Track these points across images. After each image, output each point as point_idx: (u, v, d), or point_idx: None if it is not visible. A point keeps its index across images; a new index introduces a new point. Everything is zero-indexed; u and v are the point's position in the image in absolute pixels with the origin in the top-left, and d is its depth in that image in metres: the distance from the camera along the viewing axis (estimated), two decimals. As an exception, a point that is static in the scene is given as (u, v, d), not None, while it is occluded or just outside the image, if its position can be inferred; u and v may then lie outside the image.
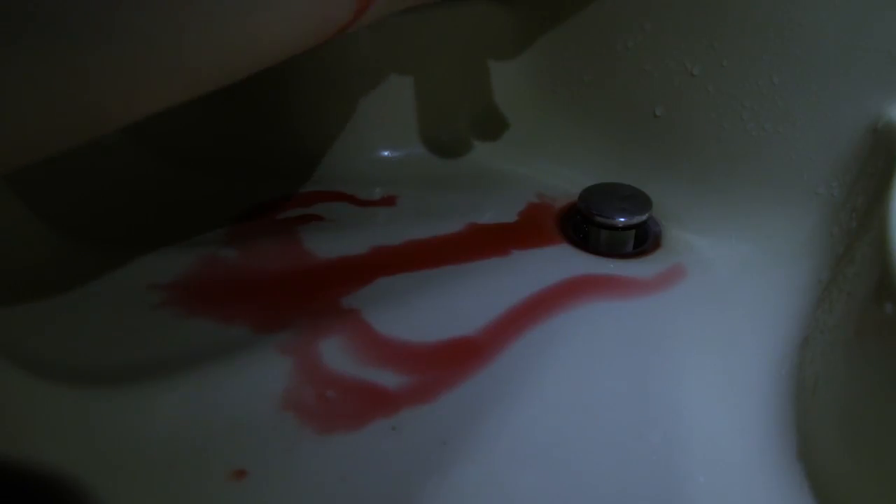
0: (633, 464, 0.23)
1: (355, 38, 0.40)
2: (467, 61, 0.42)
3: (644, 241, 0.34)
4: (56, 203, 0.31)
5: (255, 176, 0.40)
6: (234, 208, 0.36)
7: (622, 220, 0.32)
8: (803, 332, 0.28)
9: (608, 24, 0.37)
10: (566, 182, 0.38)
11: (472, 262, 0.32)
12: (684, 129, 0.36)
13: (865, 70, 0.29)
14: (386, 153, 0.42)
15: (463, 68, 0.42)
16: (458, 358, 0.27)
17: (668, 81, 0.35)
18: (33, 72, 0.16)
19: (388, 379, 0.26)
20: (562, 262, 0.32)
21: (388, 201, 0.38)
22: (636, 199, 0.34)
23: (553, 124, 0.41)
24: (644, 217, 0.33)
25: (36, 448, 0.21)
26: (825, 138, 0.31)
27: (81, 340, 0.26)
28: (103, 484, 0.20)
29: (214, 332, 0.27)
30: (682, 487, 0.23)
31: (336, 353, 0.26)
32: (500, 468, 0.23)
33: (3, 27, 0.15)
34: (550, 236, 0.34)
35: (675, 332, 0.29)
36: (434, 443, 0.23)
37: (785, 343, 0.28)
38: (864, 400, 0.22)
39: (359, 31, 0.40)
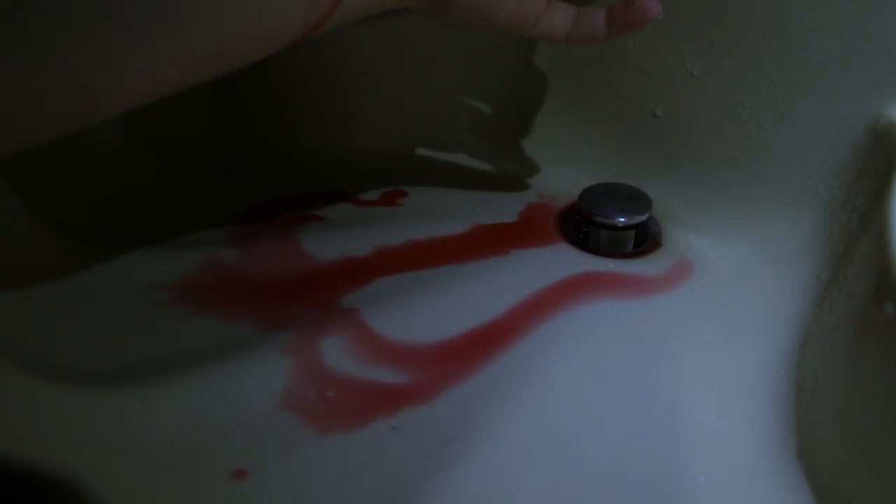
0: (633, 464, 0.23)
1: (356, 38, 0.40)
2: (467, 61, 0.42)
3: (644, 241, 0.34)
4: (56, 203, 0.31)
5: (256, 176, 0.40)
6: (234, 208, 0.36)
7: (622, 220, 0.32)
8: (803, 333, 0.28)
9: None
10: (566, 182, 0.38)
11: (472, 263, 0.32)
12: (684, 129, 0.36)
13: (865, 70, 0.29)
14: (386, 153, 0.42)
15: (463, 68, 0.42)
16: (458, 358, 0.27)
17: (668, 81, 0.35)
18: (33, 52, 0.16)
19: (389, 379, 0.26)
20: (562, 262, 0.32)
21: (388, 201, 0.38)
22: (636, 199, 0.34)
23: (553, 124, 0.41)
24: (644, 217, 0.33)
25: (36, 448, 0.21)
26: (825, 138, 0.31)
27: (81, 340, 0.26)
28: (103, 484, 0.20)
29: (214, 332, 0.27)
30: (682, 487, 0.23)
31: (336, 353, 0.26)
32: (500, 468, 0.23)
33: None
34: (550, 236, 0.34)
35: (676, 332, 0.29)
36: (434, 443, 0.23)
37: (785, 343, 0.28)
38: (864, 400, 0.22)
39: (359, 31, 0.40)
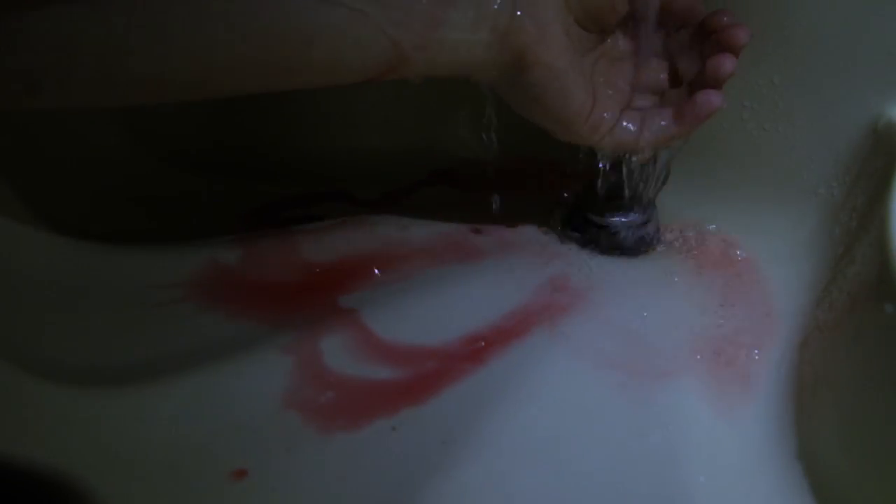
0: (633, 464, 0.23)
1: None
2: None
3: (644, 241, 0.34)
4: (57, 203, 0.31)
5: (255, 177, 0.40)
6: (235, 209, 0.36)
7: (622, 220, 0.33)
8: (803, 332, 0.28)
9: (608, 24, 0.37)
10: (566, 182, 0.38)
11: (472, 263, 0.32)
12: (684, 129, 0.36)
13: (865, 70, 0.29)
14: (386, 153, 0.42)
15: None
16: (458, 358, 0.27)
17: (668, 81, 0.35)
18: None
19: (388, 379, 0.26)
20: (562, 262, 0.32)
21: (389, 201, 0.38)
22: (636, 200, 0.34)
23: (553, 124, 0.41)
24: (644, 217, 0.33)
25: (36, 448, 0.21)
26: (825, 138, 0.31)
27: (82, 340, 0.26)
28: (104, 484, 0.20)
29: (215, 332, 0.27)
30: (682, 487, 0.23)
31: (336, 354, 0.26)
32: (500, 468, 0.23)
33: None
34: (550, 236, 0.34)
35: (676, 331, 0.29)
36: (434, 443, 0.23)
37: (785, 343, 0.28)
38: (864, 400, 0.22)
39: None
